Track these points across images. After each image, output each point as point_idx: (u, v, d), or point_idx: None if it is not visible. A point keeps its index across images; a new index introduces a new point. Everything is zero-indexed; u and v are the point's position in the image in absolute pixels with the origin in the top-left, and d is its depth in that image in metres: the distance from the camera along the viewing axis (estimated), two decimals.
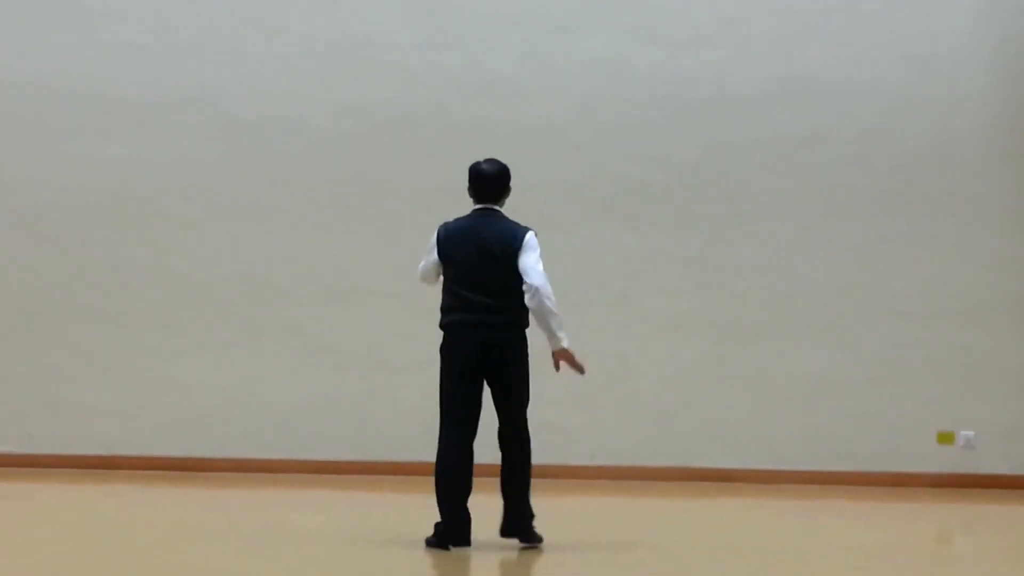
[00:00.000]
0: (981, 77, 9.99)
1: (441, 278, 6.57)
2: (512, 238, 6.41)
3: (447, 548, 6.41)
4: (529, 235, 6.45)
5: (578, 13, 10.08)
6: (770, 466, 9.82)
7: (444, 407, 6.48)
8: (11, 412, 9.95)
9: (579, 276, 9.59)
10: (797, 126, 10.00)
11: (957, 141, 9.96)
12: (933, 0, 10.04)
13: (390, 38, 10.08)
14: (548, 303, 6.37)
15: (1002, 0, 10.04)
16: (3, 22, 10.15)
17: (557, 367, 6.53)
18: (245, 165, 10.06)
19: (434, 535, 6.46)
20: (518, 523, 6.47)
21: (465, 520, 6.41)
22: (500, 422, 6.49)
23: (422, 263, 6.61)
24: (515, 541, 6.48)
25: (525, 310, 6.46)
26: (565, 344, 6.43)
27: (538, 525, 6.52)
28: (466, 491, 6.41)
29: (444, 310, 6.52)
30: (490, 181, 6.54)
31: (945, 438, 9.81)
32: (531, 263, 6.38)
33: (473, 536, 6.41)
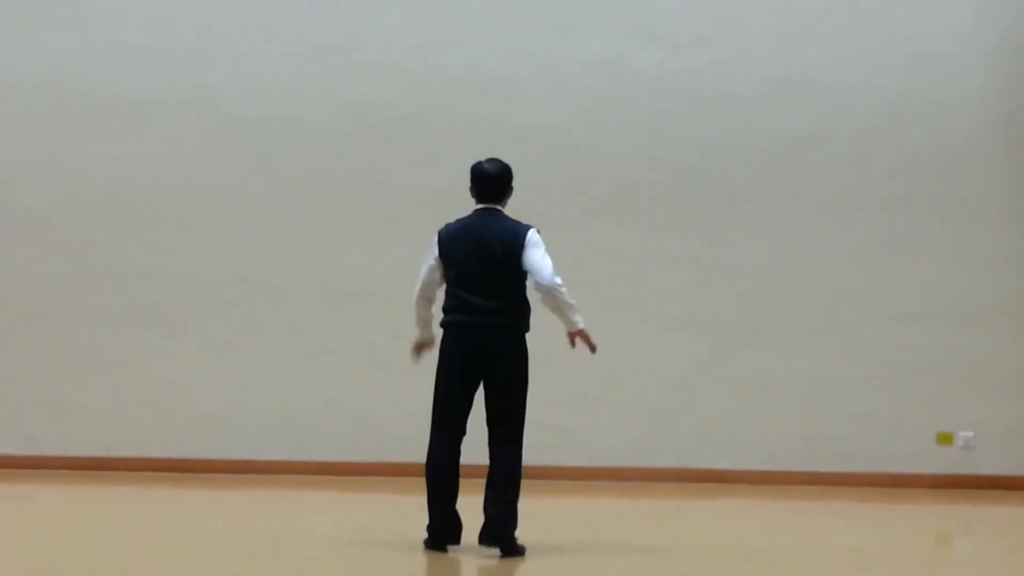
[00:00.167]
0: (980, 78, 9.99)
1: (443, 285, 6.51)
2: (513, 237, 6.40)
3: (445, 550, 6.41)
4: (531, 232, 6.43)
5: (578, 14, 10.08)
6: (769, 467, 9.82)
7: (436, 407, 6.47)
8: (10, 413, 9.94)
9: (578, 277, 9.39)
10: (797, 127, 10.00)
11: (956, 142, 9.97)
12: (932, 1, 10.04)
13: (389, 39, 10.08)
14: (563, 298, 6.37)
15: (1001, 1, 10.04)
16: (3, 23, 10.15)
17: (573, 344, 6.51)
18: (244, 166, 10.06)
19: (429, 537, 6.45)
20: (498, 531, 6.33)
21: (456, 521, 6.41)
22: (490, 432, 6.37)
23: (422, 270, 6.52)
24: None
25: (525, 313, 6.46)
26: (581, 326, 6.43)
27: (537, 526, 6.51)
28: (454, 492, 6.40)
29: (444, 311, 6.51)
30: (492, 181, 6.53)
31: (944, 439, 9.81)
32: (537, 260, 6.36)
33: (467, 538, 6.39)
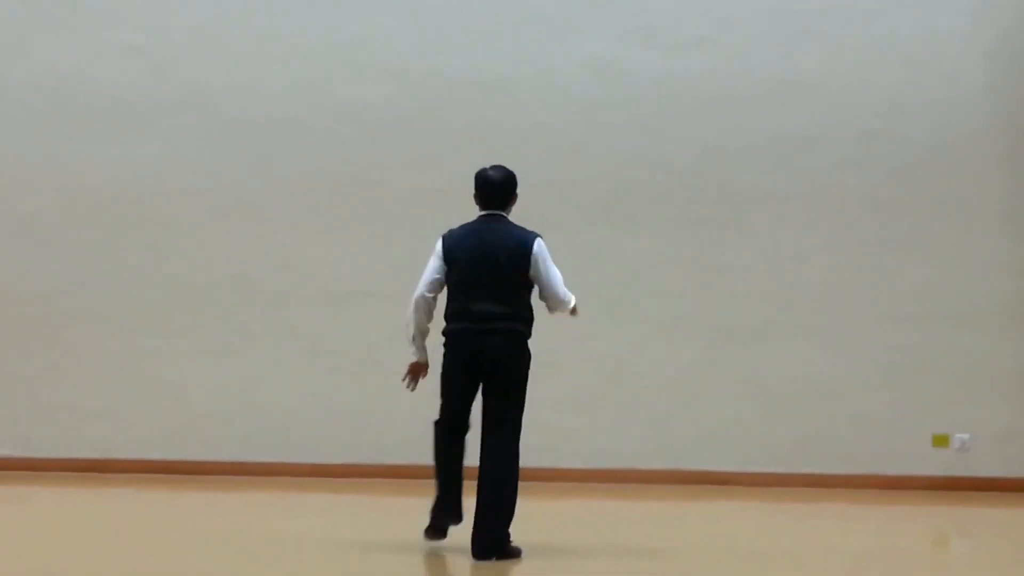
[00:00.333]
0: (979, 79, 9.98)
1: (444, 289, 6.49)
2: (517, 245, 6.36)
3: (444, 534, 6.41)
4: (538, 242, 6.39)
5: (575, 16, 10.08)
6: (766, 469, 9.82)
7: (442, 409, 6.52)
8: (8, 415, 9.95)
9: (576, 278, 9.40)
10: (796, 127, 9.99)
11: (955, 143, 9.96)
12: (931, 2, 10.03)
13: (387, 41, 10.08)
14: (570, 307, 6.48)
15: (1000, 2, 10.04)
16: (1, 24, 10.15)
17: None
18: (242, 168, 10.06)
19: (431, 521, 6.45)
20: (487, 537, 6.28)
21: (459, 501, 6.44)
22: (484, 436, 6.31)
23: (426, 270, 6.46)
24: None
25: (528, 318, 6.44)
26: (573, 303, 6.50)
27: (535, 528, 6.51)
28: (461, 471, 6.44)
29: (447, 318, 6.47)
30: (496, 188, 6.48)
31: (940, 441, 9.80)
32: (548, 278, 6.38)
33: (464, 539, 6.39)
